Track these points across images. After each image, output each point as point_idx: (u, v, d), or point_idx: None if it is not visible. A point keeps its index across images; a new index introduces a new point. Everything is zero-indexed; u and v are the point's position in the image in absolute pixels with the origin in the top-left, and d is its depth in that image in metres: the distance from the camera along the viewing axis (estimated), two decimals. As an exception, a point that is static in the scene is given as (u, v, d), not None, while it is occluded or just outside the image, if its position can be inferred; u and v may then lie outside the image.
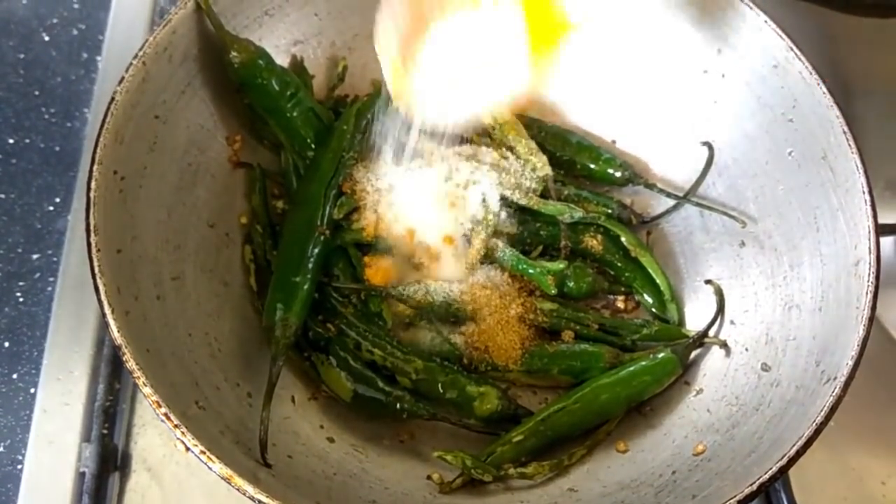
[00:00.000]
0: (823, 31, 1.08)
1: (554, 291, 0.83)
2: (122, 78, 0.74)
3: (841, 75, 1.04)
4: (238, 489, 0.61)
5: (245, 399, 0.75)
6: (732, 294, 0.83)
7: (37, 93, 1.04)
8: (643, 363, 0.78)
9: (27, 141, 1.00)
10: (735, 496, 0.62)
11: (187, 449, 0.62)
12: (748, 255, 0.83)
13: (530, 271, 0.84)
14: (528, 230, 0.88)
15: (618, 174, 0.90)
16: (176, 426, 0.62)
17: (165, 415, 0.62)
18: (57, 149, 1.00)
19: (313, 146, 0.85)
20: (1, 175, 0.98)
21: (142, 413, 0.85)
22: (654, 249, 0.89)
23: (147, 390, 0.63)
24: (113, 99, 0.73)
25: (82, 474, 0.80)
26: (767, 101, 0.82)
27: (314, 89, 0.90)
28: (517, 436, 0.75)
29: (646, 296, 0.87)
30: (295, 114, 0.84)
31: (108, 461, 0.81)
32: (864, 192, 0.73)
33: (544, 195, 0.88)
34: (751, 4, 0.82)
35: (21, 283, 0.92)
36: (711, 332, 0.82)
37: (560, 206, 0.87)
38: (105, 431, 0.82)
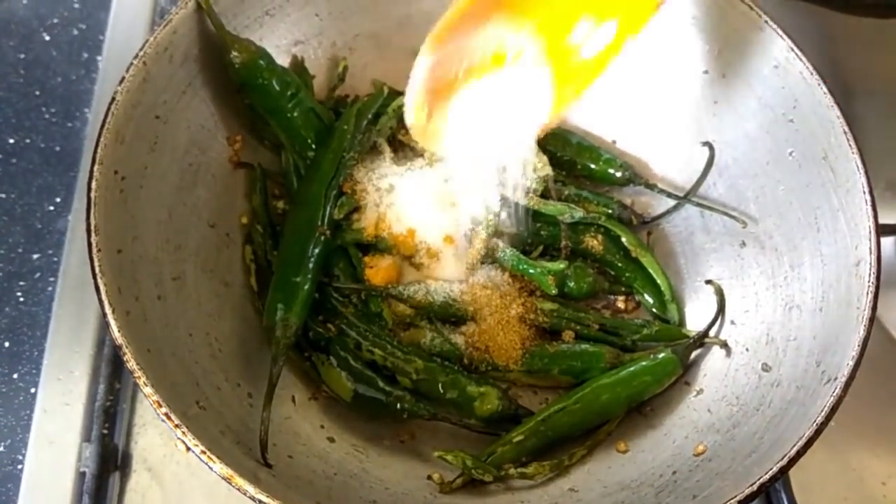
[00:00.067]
0: (824, 31, 1.08)
1: (554, 291, 0.83)
2: (123, 78, 0.74)
3: (841, 75, 1.04)
4: (238, 489, 0.61)
5: (246, 399, 0.75)
6: (733, 294, 0.83)
7: (37, 93, 1.04)
8: (644, 363, 0.78)
9: (28, 141, 1.00)
10: (735, 496, 0.62)
11: (188, 449, 0.62)
12: (749, 255, 0.83)
13: (531, 271, 0.84)
14: (528, 230, 0.88)
15: (618, 174, 0.90)
16: (177, 426, 0.62)
17: (166, 415, 0.62)
18: (57, 149, 1.00)
19: (314, 146, 0.85)
20: (1, 175, 0.98)
21: (142, 413, 0.85)
22: (654, 250, 0.89)
23: (148, 390, 0.63)
24: (113, 99, 0.73)
25: (83, 474, 0.80)
26: (768, 102, 0.82)
27: (315, 89, 0.90)
28: (518, 436, 0.75)
29: (646, 296, 0.87)
30: (295, 114, 0.84)
31: (109, 461, 0.81)
32: (864, 193, 0.73)
33: (545, 195, 0.88)
34: (751, 4, 0.82)
35: (21, 283, 0.92)
36: (712, 333, 0.82)
37: (560, 207, 0.87)
38: (105, 431, 0.82)
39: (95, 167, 0.70)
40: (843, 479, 0.84)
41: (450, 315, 0.83)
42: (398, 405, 0.76)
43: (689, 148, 0.89)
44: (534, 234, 0.88)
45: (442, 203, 0.86)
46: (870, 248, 0.71)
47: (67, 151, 0.99)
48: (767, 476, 0.63)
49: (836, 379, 0.66)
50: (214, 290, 0.80)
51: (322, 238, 0.80)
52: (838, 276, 0.73)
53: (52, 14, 1.09)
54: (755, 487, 0.62)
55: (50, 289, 0.91)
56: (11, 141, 1.00)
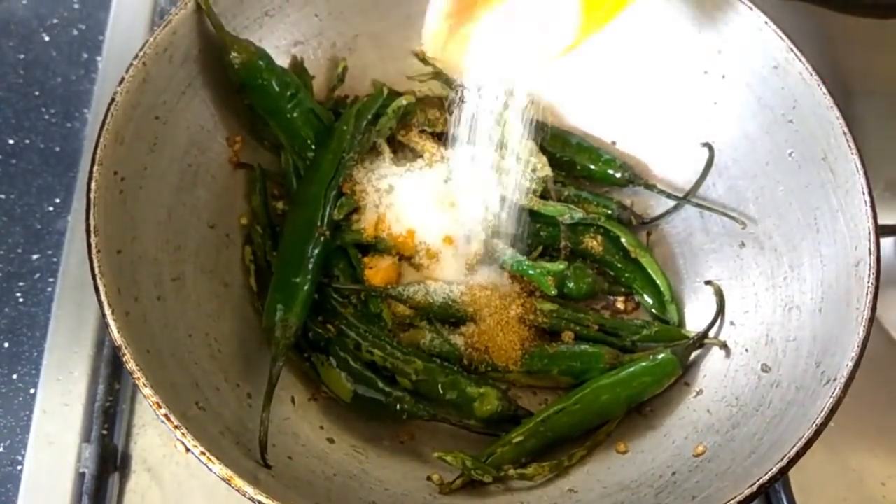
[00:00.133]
0: (823, 31, 1.08)
1: (554, 292, 0.83)
2: (123, 78, 0.74)
3: (841, 76, 1.04)
4: (238, 490, 0.61)
5: (245, 400, 0.75)
6: (732, 295, 0.83)
7: (37, 93, 1.04)
8: (643, 364, 0.78)
9: (27, 141, 1.00)
10: (735, 497, 0.62)
11: (187, 450, 0.62)
12: (748, 255, 0.83)
13: (530, 272, 0.84)
14: (528, 231, 0.88)
15: (618, 175, 0.90)
16: (176, 427, 0.62)
17: (165, 416, 0.62)
18: (57, 149, 1.00)
19: (313, 147, 0.85)
20: (1, 175, 0.98)
21: (142, 413, 0.85)
22: (654, 250, 0.89)
23: (147, 391, 0.63)
24: (113, 99, 0.73)
25: (82, 475, 0.80)
26: (768, 102, 0.82)
27: (314, 90, 0.90)
28: (517, 437, 0.75)
29: (646, 297, 0.87)
30: (295, 114, 0.84)
31: (108, 462, 0.81)
32: (864, 193, 0.73)
33: (544, 196, 0.88)
34: (751, 5, 0.82)
35: (21, 284, 0.92)
36: (711, 333, 0.82)
37: (560, 207, 0.87)
38: (105, 432, 0.82)
39: (95, 168, 0.70)
40: (843, 479, 0.84)
41: (449, 316, 0.83)
42: (398, 406, 0.76)
43: (689, 148, 0.89)
44: (533, 235, 0.88)
45: (441, 204, 0.86)
46: (869, 249, 0.71)
47: (67, 152, 0.99)
48: (767, 477, 0.63)
49: (835, 379, 0.66)
50: (214, 290, 0.80)
51: (322, 239, 0.80)
52: (838, 277, 0.73)
53: (52, 14, 1.09)
54: (755, 488, 0.62)
55: (49, 289, 0.91)
56: (11, 141, 1.00)
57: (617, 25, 0.86)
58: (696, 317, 0.85)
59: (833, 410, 0.65)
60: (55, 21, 1.09)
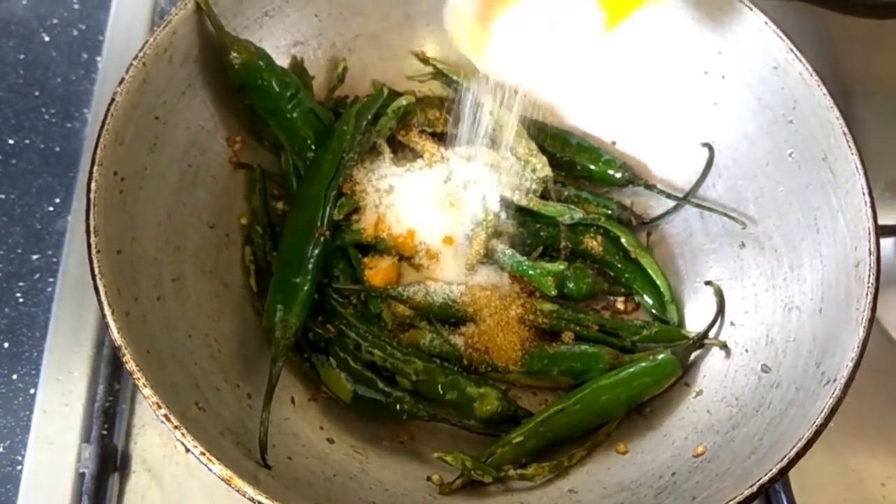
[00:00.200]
0: (823, 31, 1.08)
1: (554, 292, 0.83)
2: (123, 79, 0.74)
3: (841, 76, 1.04)
4: (238, 490, 0.61)
5: (245, 400, 0.75)
6: (732, 295, 0.83)
7: (37, 93, 1.04)
8: (643, 364, 0.78)
9: (27, 141, 1.00)
10: (735, 497, 0.62)
11: (187, 450, 0.62)
12: (748, 256, 0.83)
13: (530, 272, 0.84)
14: (528, 231, 0.88)
15: (618, 175, 0.90)
16: (176, 427, 0.62)
17: (165, 416, 0.62)
18: (57, 149, 1.00)
19: (313, 147, 0.85)
20: (1, 175, 0.98)
21: (141, 414, 0.85)
22: (654, 250, 0.89)
23: (147, 391, 0.63)
24: (113, 100, 0.73)
25: (82, 475, 0.80)
26: (768, 103, 0.82)
27: (314, 90, 0.90)
28: (517, 437, 0.75)
29: (646, 297, 0.87)
30: (295, 115, 0.84)
31: (108, 462, 0.81)
32: (864, 194, 0.73)
33: (544, 196, 0.88)
34: (751, 5, 0.82)
35: (21, 284, 0.92)
36: (711, 334, 0.82)
37: (560, 207, 0.87)
38: (105, 432, 0.82)
39: (95, 168, 0.70)
40: (843, 480, 0.84)
41: (449, 316, 0.83)
42: (398, 406, 0.76)
43: (689, 149, 0.89)
44: (533, 235, 0.88)
45: (441, 204, 0.86)
46: (869, 249, 0.71)
47: (67, 152, 0.99)
48: (767, 477, 0.63)
49: (835, 380, 0.66)
50: (214, 290, 0.80)
51: (321, 239, 0.80)
52: (838, 277, 0.73)
53: (52, 14, 1.09)
54: (755, 489, 0.62)
55: (49, 289, 0.91)
56: (11, 141, 1.00)
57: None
58: (696, 317, 0.85)
59: (833, 411, 0.65)
60: (55, 21, 1.09)
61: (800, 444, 0.64)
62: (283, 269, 0.79)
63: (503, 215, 0.87)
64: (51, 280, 0.91)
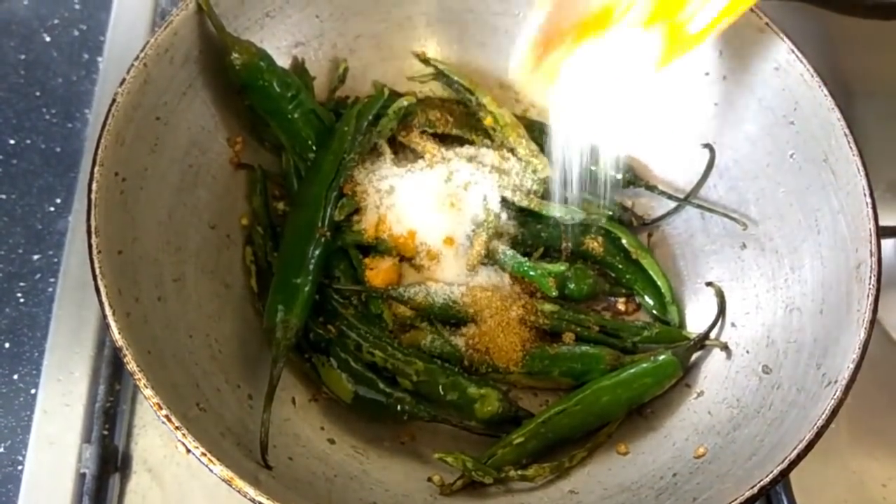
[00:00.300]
0: (824, 33, 1.08)
1: (555, 293, 0.83)
2: (124, 79, 0.74)
3: (842, 77, 1.04)
4: (239, 491, 0.61)
5: (246, 401, 0.75)
6: (733, 296, 0.83)
7: (38, 93, 1.04)
8: (644, 365, 0.78)
9: (28, 142, 1.00)
10: (736, 499, 0.62)
11: (188, 451, 0.62)
12: (749, 257, 0.83)
13: (531, 273, 0.84)
14: (528, 232, 0.88)
15: (619, 176, 0.90)
16: (177, 428, 0.62)
17: (167, 417, 0.62)
18: (58, 150, 1.00)
19: (314, 148, 0.85)
20: (2, 176, 0.98)
21: (142, 414, 0.85)
22: (654, 251, 0.89)
23: (148, 392, 0.63)
24: (114, 100, 0.73)
25: (83, 475, 0.80)
26: (769, 104, 0.82)
27: (315, 91, 0.90)
28: (518, 438, 0.75)
29: (647, 298, 0.87)
30: (296, 115, 0.84)
31: (109, 462, 0.81)
32: (865, 195, 0.73)
33: (545, 197, 0.88)
34: (752, 6, 0.82)
35: (22, 284, 0.92)
36: (712, 335, 0.82)
37: (561, 208, 0.87)
38: (105, 432, 0.82)
39: (96, 168, 0.70)
40: (844, 481, 0.83)
41: (450, 317, 0.83)
42: (398, 407, 0.76)
43: (690, 150, 0.89)
44: (534, 236, 0.88)
45: (442, 205, 0.86)
46: (870, 251, 0.71)
47: (68, 152, 0.99)
48: (768, 479, 0.63)
49: (836, 381, 0.66)
50: (215, 291, 0.80)
51: (322, 239, 0.80)
52: (839, 279, 0.73)
53: (53, 15, 1.09)
54: (755, 490, 0.62)
55: (50, 290, 0.91)
56: (12, 142, 1.00)
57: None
58: (696, 318, 0.85)
59: (834, 412, 0.65)
60: (56, 21, 1.09)
61: (801, 446, 0.64)
62: (283, 269, 0.79)
63: (504, 216, 0.87)
64: (52, 280, 0.91)
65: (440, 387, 0.78)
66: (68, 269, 0.91)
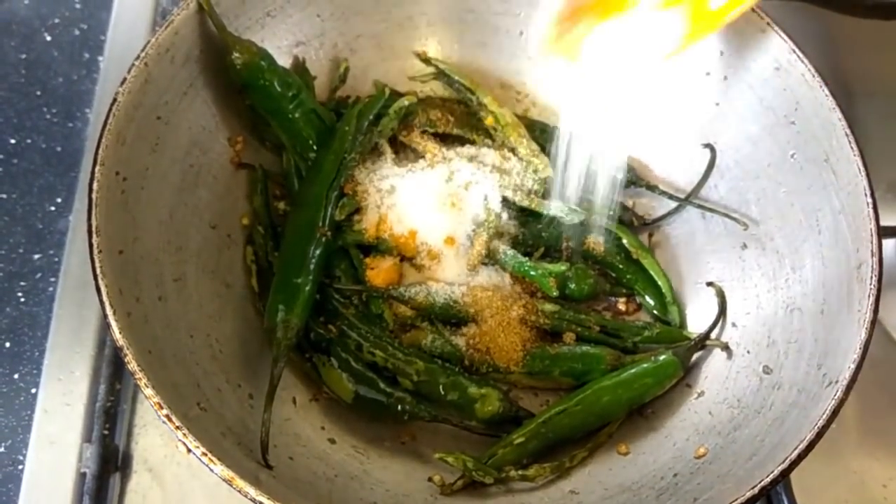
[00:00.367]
0: (825, 32, 1.08)
1: (555, 293, 0.83)
2: (124, 79, 0.74)
3: (843, 77, 1.04)
4: (239, 491, 0.61)
5: (246, 400, 0.75)
6: (734, 296, 0.83)
7: (38, 93, 1.04)
8: (645, 365, 0.78)
9: (29, 141, 1.00)
10: (736, 499, 0.62)
11: (189, 451, 0.61)
12: (750, 257, 0.83)
13: (532, 273, 0.84)
14: (529, 232, 0.88)
15: (620, 176, 0.90)
16: (178, 428, 0.62)
17: (167, 416, 0.62)
18: (58, 149, 1.00)
19: (315, 147, 0.85)
20: (2, 175, 0.98)
21: (143, 413, 0.85)
22: (655, 251, 0.89)
23: (149, 392, 0.63)
24: (115, 100, 0.73)
25: (83, 475, 0.80)
26: (770, 104, 0.82)
27: (316, 90, 0.90)
28: (518, 438, 0.75)
29: (647, 298, 0.87)
30: (297, 115, 0.84)
31: (109, 462, 0.81)
32: (866, 195, 0.73)
33: (546, 197, 0.88)
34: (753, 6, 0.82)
35: (22, 284, 0.92)
36: (713, 335, 0.82)
37: (562, 208, 0.87)
38: (106, 432, 0.82)
39: (97, 168, 0.70)
40: (844, 481, 0.83)
41: (451, 316, 0.83)
42: (399, 407, 0.76)
43: (691, 150, 0.89)
44: (535, 236, 0.88)
45: (443, 204, 0.86)
46: (871, 251, 0.71)
47: (68, 152, 0.99)
48: (769, 479, 0.63)
49: (837, 382, 0.66)
50: (215, 291, 0.80)
51: (323, 239, 0.80)
52: (840, 279, 0.73)
53: (54, 14, 1.09)
54: (756, 490, 0.62)
55: (51, 289, 0.91)
56: (13, 141, 1.00)
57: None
58: (697, 318, 0.85)
59: (835, 413, 0.65)
60: (57, 21, 1.09)
61: (801, 446, 0.64)
62: (284, 269, 0.79)
63: (505, 216, 0.87)
64: (52, 280, 0.91)
65: (441, 387, 0.78)
66: (69, 268, 0.91)
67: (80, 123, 1.01)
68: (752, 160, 0.84)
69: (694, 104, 0.88)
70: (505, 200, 0.87)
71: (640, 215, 0.91)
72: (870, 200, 0.73)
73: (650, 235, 0.91)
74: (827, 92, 0.77)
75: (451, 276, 0.85)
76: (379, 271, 0.84)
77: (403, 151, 0.91)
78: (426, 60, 0.94)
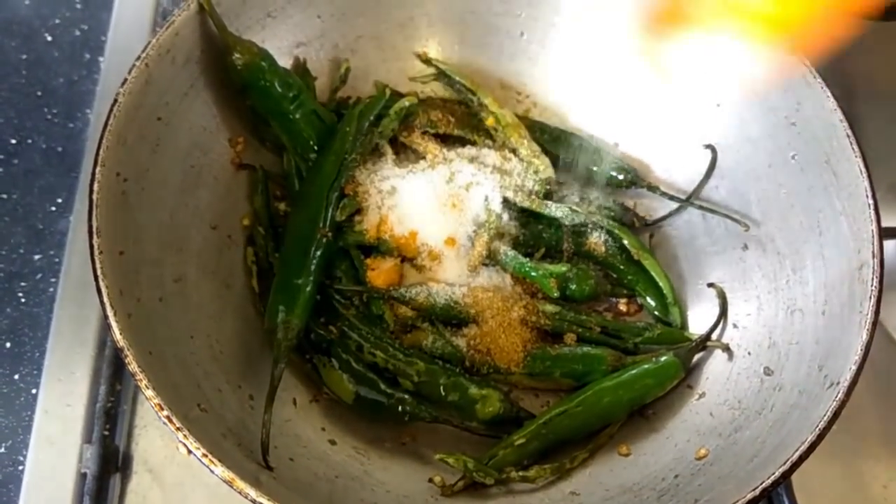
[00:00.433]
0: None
1: (556, 294, 0.83)
2: (125, 80, 0.74)
3: (844, 78, 1.04)
4: (240, 492, 0.61)
5: (247, 401, 0.75)
6: (735, 297, 0.83)
7: (39, 93, 1.04)
8: (646, 366, 0.78)
9: (29, 141, 1.00)
10: (738, 500, 0.62)
11: (189, 452, 0.61)
12: (751, 258, 0.83)
13: (532, 274, 0.84)
14: (530, 232, 0.88)
15: (620, 177, 0.90)
16: (178, 429, 0.62)
17: (168, 417, 0.62)
18: (59, 149, 1.00)
19: (316, 148, 0.85)
20: (3, 175, 0.98)
21: (143, 414, 0.85)
22: (656, 252, 0.89)
23: (149, 393, 0.63)
24: (116, 100, 0.73)
25: (83, 475, 0.80)
26: (771, 105, 0.82)
27: (317, 91, 0.90)
28: (519, 439, 0.75)
29: (648, 299, 0.87)
30: (297, 116, 0.84)
31: (110, 462, 0.81)
32: (867, 196, 0.73)
33: (547, 197, 0.88)
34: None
35: (23, 284, 0.92)
36: (714, 336, 0.82)
37: (563, 209, 0.87)
38: (106, 432, 0.82)
39: (97, 169, 0.70)
40: (845, 483, 0.83)
41: (451, 317, 0.83)
42: (399, 407, 0.76)
43: (692, 150, 0.89)
44: (536, 237, 0.88)
45: (444, 205, 0.86)
46: (872, 252, 0.71)
47: (69, 152, 0.99)
48: (770, 480, 0.63)
49: (838, 383, 0.66)
50: (216, 291, 0.80)
51: (324, 240, 0.80)
52: (841, 280, 0.73)
53: (54, 14, 1.09)
54: (757, 492, 0.62)
55: (51, 289, 0.91)
56: (13, 141, 1.00)
57: (619, 27, 0.86)
58: (698, 319, 0.85)
59: (836, 414, 0.65)
60: (57, 21, 1.09)
61: (802, 448, 0.64)
62: (285, 270, 0.79)
63: (505, 216, 0.87)
64: (53, 280, 0.91)
65: (441, 387, 0.78)
66: (69, 269, 0.90)
67: (81, 124, 1.01)
68: (752, 161, 0.84)
69: (695, 105, 0.88)
70: (506, 201, 0.87)
71: (641, 216, 0.91)
72: (871, 202, 0.73)
73: (651, 236, 0.91)
74: (828, 93, 0.77)
75: (452, 277, 0.85)
76: (380, 272, 0.84)
77: (404, 152, 0.91)
78: (427, 61, 0.94)
